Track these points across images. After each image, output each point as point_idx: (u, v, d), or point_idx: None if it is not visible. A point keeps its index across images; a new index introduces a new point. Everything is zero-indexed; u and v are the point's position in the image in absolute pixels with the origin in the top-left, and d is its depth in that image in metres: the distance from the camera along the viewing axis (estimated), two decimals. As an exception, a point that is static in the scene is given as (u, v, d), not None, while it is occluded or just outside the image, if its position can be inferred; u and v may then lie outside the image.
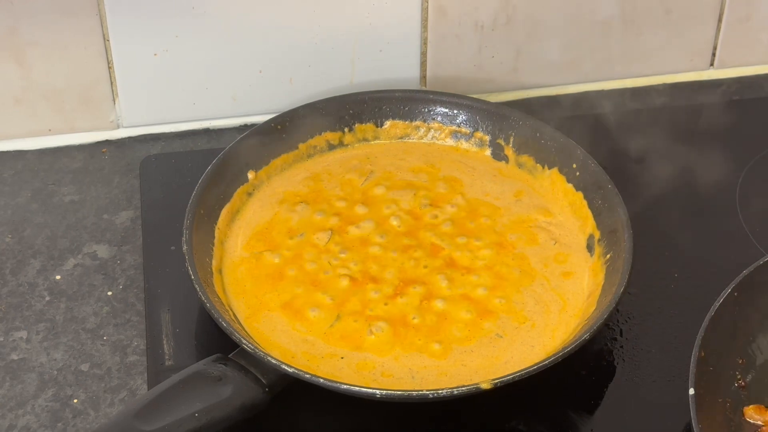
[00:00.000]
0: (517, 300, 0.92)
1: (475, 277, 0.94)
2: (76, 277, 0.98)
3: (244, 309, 0.91)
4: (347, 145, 1.07)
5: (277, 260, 0.95)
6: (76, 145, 1.12)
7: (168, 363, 0.89)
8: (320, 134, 1.06)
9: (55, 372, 0.90)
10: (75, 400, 0.88)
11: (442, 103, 1.08)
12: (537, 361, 0.84)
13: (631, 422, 0.87)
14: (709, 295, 0.86)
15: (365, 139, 1.08)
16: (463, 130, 1.08)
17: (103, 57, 1.08)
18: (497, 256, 0.96)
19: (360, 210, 1.00)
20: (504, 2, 1.13)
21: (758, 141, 1.13)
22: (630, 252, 0.91)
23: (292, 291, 0.93)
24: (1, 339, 0.93)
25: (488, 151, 1.07)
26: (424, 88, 1.16)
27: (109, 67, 1.09)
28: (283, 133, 1.04)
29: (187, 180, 1.03)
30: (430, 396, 0.81)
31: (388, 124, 1.08)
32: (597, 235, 0.97)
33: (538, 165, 1.04)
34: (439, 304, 0.91)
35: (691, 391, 0.79)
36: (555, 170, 1.03)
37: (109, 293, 0.97)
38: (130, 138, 1.13)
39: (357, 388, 0.81)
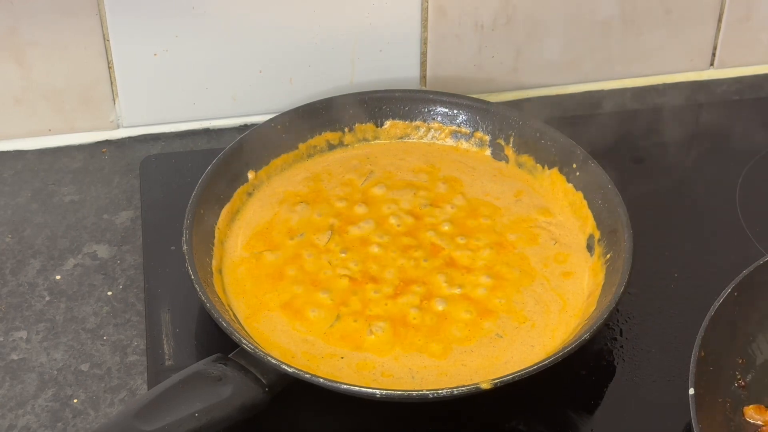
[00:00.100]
0: (517, 300, 0.92)
1: (475, 277, 0.94)
2: (76, 277, 0.98)
3: (244, 309, 0.91)
4: (347, 145, 1.07)
5: (277, 260, 0.95)
6: (76, 145, 1.12)
7: (168, 363, 0.89)
8: (320, 134, 1.06)
9: (55, 372, 0.90)
10: (75, 400, 0.88)
11: (442, 103, 1.08)
12: (537, 361, 0.84)
13: (631, 422, 0.87)
14: (709, 295, 0.86)
15: (365, 139, 1.08)
16: (463, 130, 1.08)
17: (103, 57, 1.08)
18: (497, 256, 0.96)
19: (360, 210, 1.00)
20: (504, 2, 1.13)
21: (758, 141, 1.13)
22: (630, 252, 0.91)
23: (292, 291, 0.93)
24: (1, 339, 0.93)
25: (488, 151, 1.07)
26: (424, 88, 1.16)
27: (109, 67, 1.09)
28: (283, 133, 1.04)
29: (187, 180, 1.03)
30: (430, 396, 0.81)
31: (388, 124, 1.08)
32: (597, 235, 0.97)
33: (538, 165, 1.04)
34: (439, 304, 0.91)
35: (691, 391, 0.79)
36: (555, 170, 1.03)
37: (109, 293, 0.97)
38: (130, 138, 1.13)
39: (357, 388, 0.81)
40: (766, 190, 1.08)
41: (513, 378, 0.81)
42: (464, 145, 1.08)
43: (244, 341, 0.83)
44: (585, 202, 0.99)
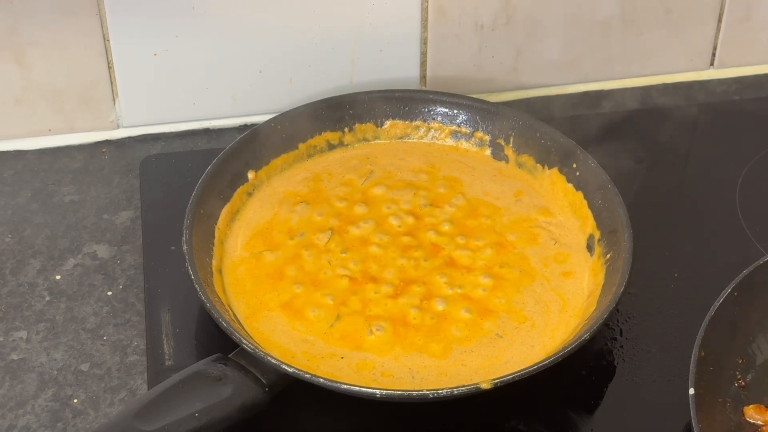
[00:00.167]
0: (517, 300, 0.92)
1: (475, 277, 0.94)
2: (76, 277, 0.98)
3: (244, 309, 0.91)
4: (347, 145, 1.07)
5: (277, 260, 0.95)
6: (76, 145, 1.12)
7: (168, 363, 0.89)
8: (320, 134, 1.06)
9: (55, 372, 0.90)
10: (75, 400, 0.88)
11: (442, 103, 1.08)
12: (537, 361, 0.84)
13: (631, 422, 0.87)
14: (709, 295, 0.86)
15: (365, 139, 1.08)
16: (463, 130, 1.08)
17: (103, 57, 1.08)
18: (497, 256, 0.96)
19: (360, 210, 1.00)
20: (504, 2, 1.13)
21: (758, 141, 1.13)
22: (630, 252, 0.91)
23: (292, 291, 0.93)
24: (1, 339, 0.93)
25: (488, 151, 1.07)
26: (424, 88, 1.16)
27: (109, 67, 1.09)
28: (283, 133, 1.04)
29: (187, 180, 1.03)
30: (430, 396, 0.81)
31: (388, 124, 1.08)
32: (597, 235, 0.97)
33: (538, 165, 1.04)
34: (439, 304, 0.91)
35: (691, 391, 0.79)
36: (555, 170, 1.03)
37: (109, 293, 0.97)
38: (130, 138, 1.13)
39: (357, 388, 0.81)
40: (766, 190, 1.08)
41: (513, 378, 0.81)
42: (464, 145, 1.08)
43: (244, 341, 0.83)
44: (585, 202, 0.99)
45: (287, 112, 1.05)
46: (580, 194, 1.00)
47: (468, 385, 0.81)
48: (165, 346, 0.91)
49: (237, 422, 0.81)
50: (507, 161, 1.06)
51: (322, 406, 0.86)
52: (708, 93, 1.21)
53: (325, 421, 0.86)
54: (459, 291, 0.93)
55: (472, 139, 1.07)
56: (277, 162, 1.04)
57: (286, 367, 0.82)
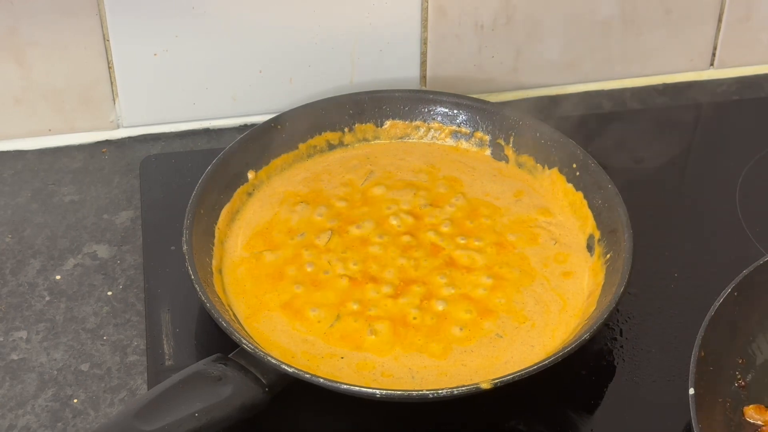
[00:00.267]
0: (517, 300, 0.92)
1: (475, 277, 0.94)
2: (76, 277, 0.98)
3: (244, 309, 0.91)
4: (347, 145, 1.07)
5: (277, 260, 0.95)
6: (76, 145, 1.12)
7: (168, 363, 0.89)
8: (320, 134, 1.06)
9: (55, 372, 0.90)
10: (75, 400, 0.88)
11: (442, 103, 1.08)
12: (537, 361, 0.84)
13: (631, 422, 0.87)
14: (709, 295, 0.86)
15: (365, 139, 1.08)
16: (463, 130, 1.08)
17: (103, 57, 1.08)
18: (497, 256, 0.96)
19: (360, 210, 1.00)
20: (504, 2, 1.13)
21: (758, 141, 1.13)
22: (630, 252, 0.91)
23: (292, 291, 0.93)
24: (1, 339, 0.93)
25: (488, 151, 1.07)
26: (424, 88, 1.16)
27: (109, 67, 1.09)
28: (283, 133, 1.04)
29: (187, 180, 1.03)
30: (430, 396, 0.81)
31: (388, 124, 1.08)
32: (597, 235, 0.97)
33: (538, 165, 1.04)
34: (439, 304, 0.91)
35: (691, 391, 0.79)
36: (555, 170, 1.03)
37: (109, 293, 0.97)
38: (130, 138, 1.13)
39: (357, 388, 0.81)
40: (766, 190, 1.08)
41: (513, 378, 0.81)
42: (464, 145, 1.08)
43: (244, 341, 0.83)
44: (585, 202, 0.99)
45: (287, 112, 1.05)
46: (580, 194, 1.00)
47: (468, 385, 0.81)
48: (165, 346, 0.91)
49: (237, 422, 0.81)
50: (507, 161, 1.06)
51: (322, 406, 0.86)
52: (708, 93, 1.21)
53: (325, 421, 0.86)
54: (459, 291, 0.93)
55: (472, 139, 1.08)
56: (277, 162, 1.04)
57: (286, 367, 0.82)
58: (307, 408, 0.86)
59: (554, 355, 0.83)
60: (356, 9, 1.10)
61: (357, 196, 1.02)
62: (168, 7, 1.06)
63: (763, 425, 0.83)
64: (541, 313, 0.92)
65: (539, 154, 1.04)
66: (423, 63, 1.15)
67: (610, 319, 0.88)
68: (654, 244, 0.99)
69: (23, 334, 0.93)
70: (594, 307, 0.89)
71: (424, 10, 1.12)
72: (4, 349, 0.92)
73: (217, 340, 0.87)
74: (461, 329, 0.90)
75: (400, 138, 1.09)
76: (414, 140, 1.09)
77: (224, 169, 0.99)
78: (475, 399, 0.84)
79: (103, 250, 1.01)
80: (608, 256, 0.94)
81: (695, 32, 1.19)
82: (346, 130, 1.07)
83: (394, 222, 0.99)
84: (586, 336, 0.84)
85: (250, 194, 1.01)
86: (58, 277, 0.98)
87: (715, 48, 1.21)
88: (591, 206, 0.99)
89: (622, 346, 0.92)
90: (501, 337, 0.90)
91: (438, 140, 1.08)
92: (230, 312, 0.90)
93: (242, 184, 1.01)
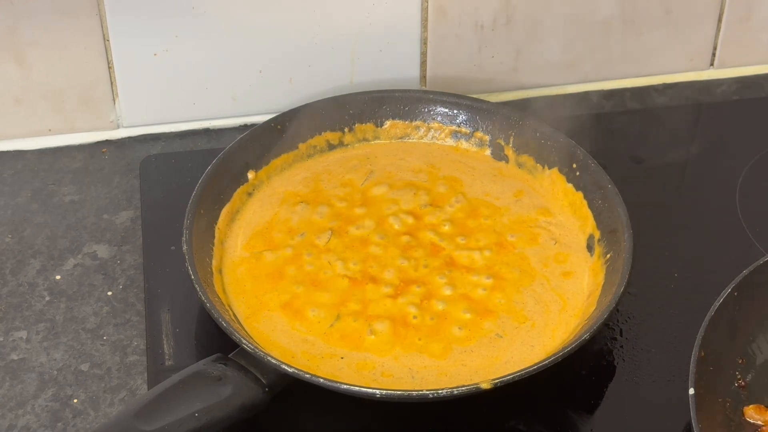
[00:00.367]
0: (517, 300, 0.92)
1: (475, 277, 0.94)
2: (76, 277, 0.98)
3: (244, 309, 0.91)
4: (347, 145, 1.07)
5: (277, 260, 0.95)
6: (76, 145, 1.12)
7: (168, 363, 0.89)
8: (320, 134, 1.06)
9: (55, 372, 0.90)
10: (75, 400, 0.88)
11: (442, 103, 1.08)
12: (537, 361, 0.84)
13: (631, 422, 0.87)
14: (709, 295, 0.86)
15: (365, 139, 1.08)
16: (463, 130, 1.08)
17: (103, 57, 1.08)
18: (497, 256, 0.96)
19: (360, 210, 1.00)
20: (504, 2, 1.13)
21: (758, 141, 1.13)
22: (630, 252, 0.91)
23: (292, 291, 0.93)
24: (1, 339, 0.93)
25: (488, 151, 1.07)
26: (424, 88, 1.16)
27: (109, 67, 1.09)
28: (283, 133, 1.04)
29: (187, 180, 1.03)
30: (430, 396, 0.81)
31: (388, 124, 1.08)
32: (597, 235, 0.97)
33: (538, 165, 1.04)
34: (439, 304, 0.91)
35: (691, 391, 0.79)
36: (555, 170, 1.03)
37: (109, 293, 0.97)
38: (130, 138, 1.13)
39: (357, 388, 0.81)
40: (766, 190, 1.08)
41: (513, 378, 0.81)
42: (464, 145, 1.08)
43: (244, 341, 0.83)
44: (585, 202, 0.99)
45: (287, 112, 1.05)
46: (580, 194, 1.00)
47: (468, 385, 0.81)
48: (165, 346, 0.91)
49: (237, 422, 0.81)
50: (507, 161, 1.06)
51: (322, 406, 0.86)
52: (708, 93, 1.21)
53: (325, 421, 0.86)
54: (459, 291, 0.93)
55: (472, 139, 1.07)
56: (277, 162, 1.04)
57: (286, 367, 0.82)
58: (307, 408, 0.86)
59: (554, 355, 0.83)
60: (356, 9, 1.10)
61: (357, 196, 1.02)
62: (168, 7, 1.06)
63: (763, 425, 0.83)
64: (541, 313, 0.92)
65: (539, 154, 1.04)
66: (423, 63, 1.15)
67: (610, 319, 0.88)
68: (654, 244, 0.99)
69: (23, 334, 0.93)
70: (594, 307, 0.89)
71: (424, 10, 1.12)
72: (4, 349, 0.92)
73: (217, 340, 0.87)
74: (461, 329, 0.90)
75: (400, 138, 1.09)
76: (414, 140, 1.09)
77: (224, 169, 0.99)
78: (475, 399, 0.84)
79: (103, 250, 1.01)
80: (608, 256, 0.94)
81: (695, 32, 1.19)
82: (346, 130, 1.07)
83: (394, 222, 0.99)
84: (586, 336, 0.84)
85: (250, 194, 1.01)
86: (58, 277, 0.98)
87: (715, 48, 1.21)
88: (591, 206, 0.99)
89: (622, 346, 0.92)
90: (501, 337, 0.90)
91: (438, 140, 1.08)
92: (230, 312, 0.90)
93: (242, 184, 1.01)
